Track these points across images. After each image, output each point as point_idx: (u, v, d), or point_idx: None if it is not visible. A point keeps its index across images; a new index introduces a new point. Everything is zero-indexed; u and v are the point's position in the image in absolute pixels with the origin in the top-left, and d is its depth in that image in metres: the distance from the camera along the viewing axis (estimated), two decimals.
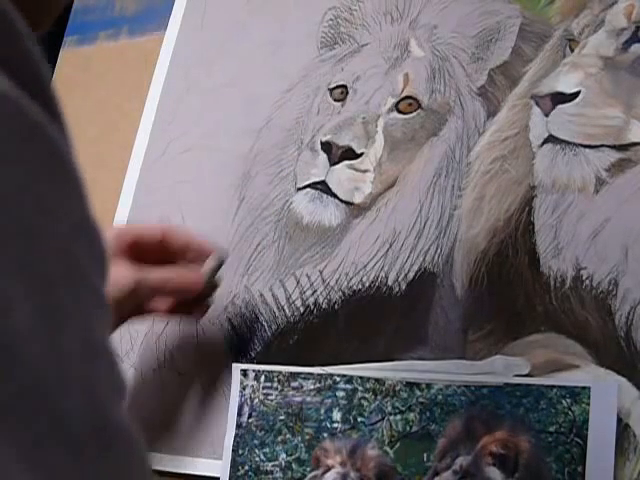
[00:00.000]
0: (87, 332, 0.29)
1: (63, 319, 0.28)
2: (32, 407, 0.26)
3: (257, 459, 0.78)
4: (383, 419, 0.74)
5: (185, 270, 0.81)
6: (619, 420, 0.64)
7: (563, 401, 0.66)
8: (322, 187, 0.85)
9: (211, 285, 0.83)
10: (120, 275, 0.76)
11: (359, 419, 0.75)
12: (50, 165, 0.29)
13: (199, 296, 0.82)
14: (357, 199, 0.84)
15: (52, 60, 1.15)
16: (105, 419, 0.29)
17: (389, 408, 0.74)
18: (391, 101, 0.85)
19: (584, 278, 0.70)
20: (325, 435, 0.76)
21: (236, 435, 0.80)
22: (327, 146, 0.86)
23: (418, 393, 0.73)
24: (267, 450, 0.78)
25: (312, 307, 0.83)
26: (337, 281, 0.82)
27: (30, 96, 0.28)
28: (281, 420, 0.78)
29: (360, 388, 0.75)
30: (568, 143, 0.74)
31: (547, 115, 0.75)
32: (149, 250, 0.81)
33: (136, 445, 0.31)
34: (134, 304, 0.79)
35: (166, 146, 0.99)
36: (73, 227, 0.29)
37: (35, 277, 0.27)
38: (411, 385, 0.73)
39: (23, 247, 0.27)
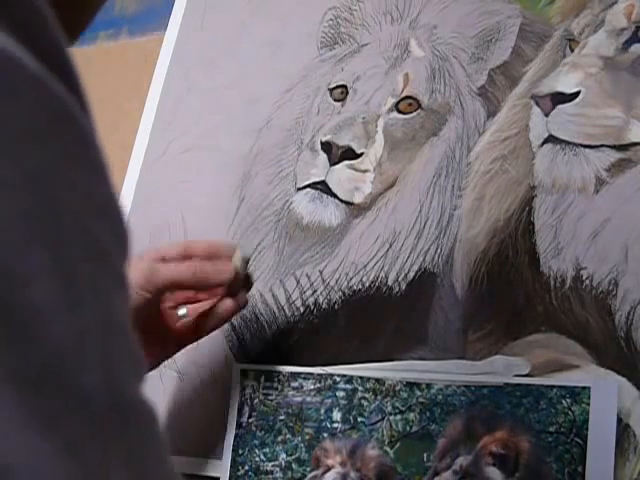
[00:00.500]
0: (105, 309, 0.29)
1: (82, 295, 0.28)
2: (51, 380, 0.27)
3: (257, 459, 0.78)
4: (383, 419, 0.74)
5: (210, 263, 0.76)
6: (619, 420, 0.64)
7: (563, 401, 0.66)
8: (322, 187, 0.85)
9: (244, 277, 0.78)
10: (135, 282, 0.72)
11: (359, 419, 0.75)
12: (77, 145, 0.29)
13: (234, 291, 0.77)
14: (357, 199, 0.84)
15: None
16: (123, 396, 0.29)
17: (389, 408, 0.74)
18: (391, 101, 0.85)
19: (584, 278, 0.70)
20: (325, 435, 0.76)
21: (236, 435, 0.80)
22: (327, 146, 0.86)
23: (418, 393, 0.73)
24: (267, 450, 0.78)
25: (312, 307, 0.83)
26: (337, 281, 0.82)
27: (56, 74, 0.29)
28: (281, 420, 0.78)
29: (360, 388, 0.75)
30: (568, 143, 0.74)
31: (547, 115, 0.75)
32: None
33: (154, 425, 0.31)
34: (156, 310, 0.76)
35: (166, 146, 0.99)
36: (97, 206, 0.30)
37: (56, 252, 0.27)
38: (411, 385, 0.73)
39: (46, 223, 0.27)
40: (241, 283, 0.77)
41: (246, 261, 0.77)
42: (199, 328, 0.78)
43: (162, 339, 0.77)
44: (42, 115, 0.28)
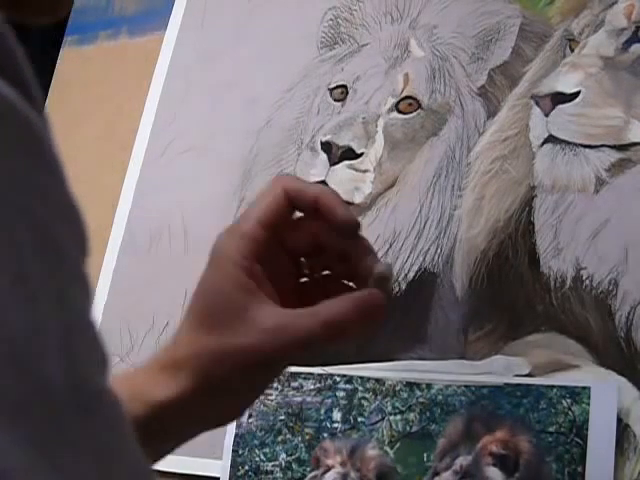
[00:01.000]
0: (64, 307, 0.29)
1: (40, 290, 0.28)
2: (15, 373, 0.27)
3: (257, 459, 0.78)
4: (383, 419, 0.74)
5: (357, 297, 0.53)
6: (619, 420, 0.64)
7: (563, 401, 0.66)
8: None
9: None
10: (256, 345, 0.52)
11: (359, 419, 0.75)
12: (27, 145, 0.29)
13: None
14: (357, 199, 0.84)
15: (52, 60, 1.15)
16: (88, 387, 0.29)
17: (389, 408, 0.74)
18: (391, 101, 0.85)
19: (584, 278, 0.70)
20: (325, 435, 0.76)
21: (236, 435, 0.80)
22: (327, 146, 0.86)
23: (418, 393, 0.73)
24: (267, 450, 0.78)
25: None
26: None
27: (5, 77, 0.29)
28: (281, 420, 0.78)
29: (360, 388, 0.75)
30: (568, 143, 0.74)
31: (547, 115, 0.75)
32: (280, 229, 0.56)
33: (121, 415, 0.31)
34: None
35: (166, 146, 0.99)
36: (53, 207, 0.30)
37: (13, 249, 0.28)
38: (411, 385, 0.73)
39: (1, 222, 0.27)
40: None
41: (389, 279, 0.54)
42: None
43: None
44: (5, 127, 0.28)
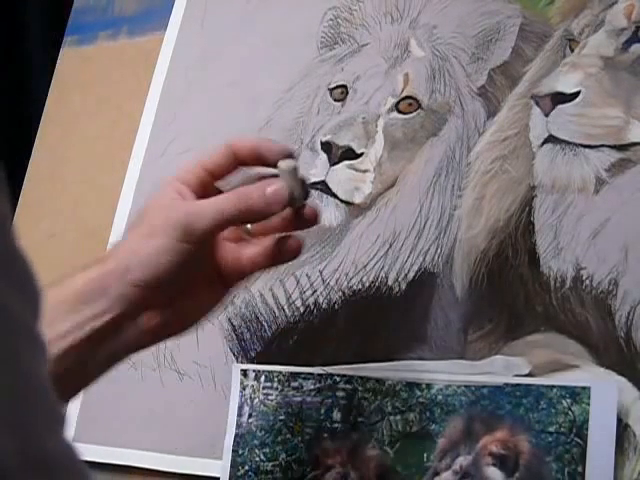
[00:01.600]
0: (14, 368, 0.29)
1: None
2: None
3: (257, 459, 0.78)
4: (383, 419, 0.74)
5: (252, 187, 0.66)
6: (619, 420, 0.64)
7: (563, 401, 0.66)
8: (322, 187, 0.85)
9: (299, 200, 0.67)
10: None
11: (359, 419, 0.75)
12: None
13: (290, 222, 0.68)
14: (357, 199, 0.84)
15: (52, 60, 1.15)
16: (39, 453, 0.29)
17: (389, 408, 0.74)
18: (391, 101, 0.85)
19: (584, 278, 0.70)
20: (325, 435, 0.76)
21: (236, 435, 0.80)
22: (327, 146, 0.86)
23: (418, 393, 0.73)
24: (267, 450, 0.78)
25: (312, 307, 0.83)
26: (337, 281, 0.82)
27: None
28: (281, 420, 0.78)
29: (360, 388, 0.75)
30: (568, 143, 0.74)
31: (547, 115, 0.75)
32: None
33: (79, 473, 0.31)
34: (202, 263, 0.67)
35: (166, 146, 0.99)
36: (1, 270, 0.29)
37: None
38: (411, 385, 0.73)
39: None
40: (300, 201, 0.67)
41: (294, 171, 0.66)
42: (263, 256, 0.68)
43: (211, 282, 0.68)
44: None
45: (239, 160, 0.68)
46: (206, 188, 0.68)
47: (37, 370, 0.31)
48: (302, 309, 0.83)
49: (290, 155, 0.67)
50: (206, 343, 0.87)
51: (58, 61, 1.15)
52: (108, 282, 0.63)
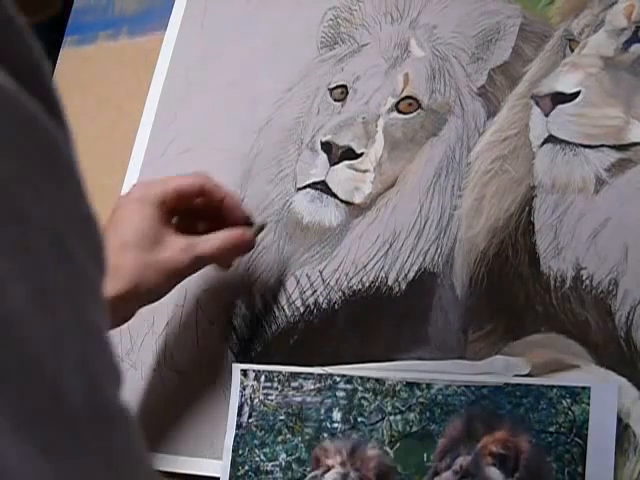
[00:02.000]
0: (81, 317, 0.30)
1: (56, 301, 0.28)
2: (31, 380, 0.27)
3: (257, 459, 0.78)
4: (383, 419, 0.74)
5: (234, 232, 0.81)
6: (619, 420, 0.64)
7: (563, 401, 0.66)
8: (322, 187, 0.86)
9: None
10: (176, 258, 0.77)
11: (359, 419, 0.75)
12: (47, 158, 0.29)
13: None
14: (357, 199, 0.84)
15: (52, 60, 1.15)
16: (104, 400, 0.30)
17: (389, 408, 0.74)
18: (391, 101, 0.85)
19: (584, 278, 0.70)
20: (325, 435, 0.76)
21: (236, 435, 0.80)
22: (327, 146, 0.86)
23: (418, 393, 0.73)
24: (267, 450, 0.78)
25: (312, 307, 0.83)
26: (337, 281, 0.82)
27: (29, 91, 0.29)
28: (281, 420, 0.78)
29: (360, 388, 0.75)
30: (568, 143, 0.74)
31: (547, 115, 0.75)
32: (187, 203, 0.82)
33: (134, 432, 0.31)
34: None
35: (166, 146, 0.99)
36: (67, 217, 0.30)
37: (28, 260, 0.28)
38: (411, 385, 0.73)
39: (17, 232, 0.28)
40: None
41: (260, 230, 0.84)
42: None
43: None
44: (12, 127, 0.28)
45: (204, 198, 0.82)
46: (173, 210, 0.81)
47: (101, 324, 0.31)
48: (302, 309, 0.83)
49: (249, 224, 0.83)
50: (206, 343, 0.87)
51: (58, 61, 1.15)
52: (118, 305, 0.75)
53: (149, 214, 0.78)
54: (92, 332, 0.30)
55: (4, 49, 0.29)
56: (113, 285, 0.74)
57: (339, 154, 0.85)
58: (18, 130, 0.28)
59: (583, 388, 0.66)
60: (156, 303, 0.82)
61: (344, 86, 0.89)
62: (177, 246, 0.78)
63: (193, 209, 0.83)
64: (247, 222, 0.83)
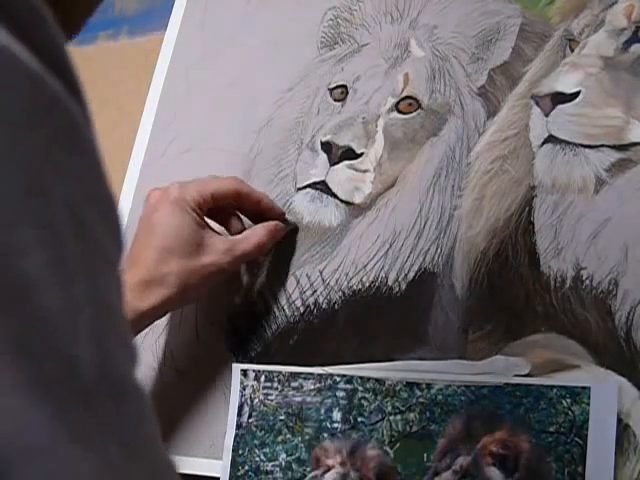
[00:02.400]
0: (96, 290, 0.30)
1: (73, 273, 0.29)
2: (44, 347, 0.28)
3: (257, 459, 0.78)
4: (383, 419, 0.74)
5: (269, 227, 0.84)
6: (619, 420, 0.64)
7: (563, 401, 0.66)
8: (322, 187, 0.86)
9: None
10: (219, 262, 0.80)
11: (359, 419, 0.75)
12: (69, 137, 0.31)
13: None
14: (357, 199, 0.84)
15: None
16: (115, 372, 0.30)
17: (389, 408, 0.74)
18: (391, 101, 0.85)
19: (584, 278, 0.70)
20: (325, 435, 0.76)
21: (236, 435, 0.80)
22: (327, 146, 0.86)
23: (418, 393, 0.73)
24: (267, 450, 0.78)
25: (312, 307, 0.83)
26: (337, 281, 0.82)
27: (53, 72, 0.30)
28: (281, 420, 0.78)
29: (360, 388, 0.75)
30: (568, 143, 0.74)
31: (547, 115, 0.75)
32: (221, 205, 0.84)
33: (146, 406, 0.32)
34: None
35: (166, 146, 0.99)
36: (87, 194, 0.31)
37: (47, 232, 0.29)
38: (411, 385, 0.73)
39: (38, 204, 0.28)
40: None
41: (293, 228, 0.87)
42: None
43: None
44: (36, 106, 0.29)
45: (239, 201, 0.85)
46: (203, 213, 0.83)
47: (117, 302, 0.31)
48: (302, 309, 0.83)
49: (284, 220, 0.86)
50: (206, 343, 0.87)
51: None
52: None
53: (189, 220, 0.80)
54: (107, 308, 0.31)
55: (31, 33, 0.30)
56: (160, 292, 0.77)
57: (339, 154, 0.85)
58: (42, 110, 0.30)
59: (583, 388, 0.66)
60: None
61: (344, 86, 0.89)
62: (219, 248, 0.80)
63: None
64: (282, 219, 0.86)
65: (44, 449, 0.27)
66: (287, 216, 0.87)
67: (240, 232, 0.84)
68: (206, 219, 0.83)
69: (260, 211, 0.85)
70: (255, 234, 0.82)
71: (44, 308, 0.28)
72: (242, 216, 0.86)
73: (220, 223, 0.85)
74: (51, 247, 0.28)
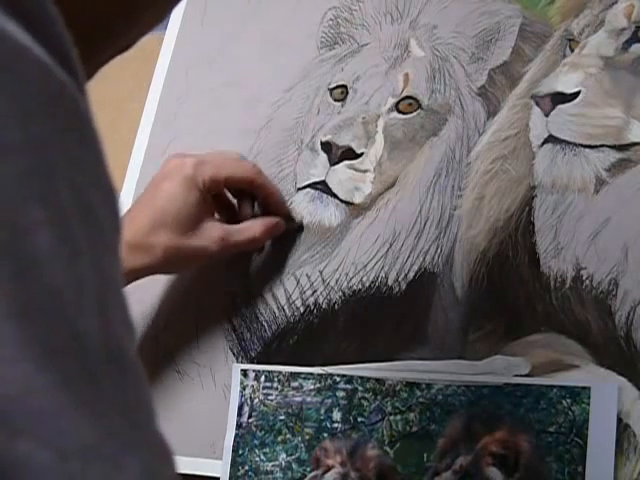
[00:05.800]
0: (100, 268, 0.31)
1: (78, 251, 0.30)
2: (50, 318, 0.29)
3: (257, 459, 0.78)
4: (383, 419, 0.74)
5: (269, 223, 0.84)
6: (619, 420, 0.64)
7: (563, 401, 0.66)
8: (322, 187, 0.86)
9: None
10: (208, 248, 0.80)
11: (359, 419, 0.75)
12: (75, 124, 0.32)
13: None
14: (357, 199, 0.84)
15: None
16: (119, 348, 0.31)
17: (389, 408, 0.74)
18: (391, 101, 0.85)
19: (584, 278, 0.70)
20: (325, 435, 0.76)
21: (236, 435, 0.80)
22: (327, 146, 0.86)
23: (418, 393, 0.73)
24: (267, 450, 0.78)
25: (312, 307, 0.83)
26: (337, 281, 0.82)
27: (59, 63, 0.32)
28: (281, 420, 0.78)
29: (360, 388, 0.75)
30: (568, 143, 0.74)
31: (547, 115, 0.75)
32: (232, 189, 0.85)
33: (145, 381, 0.33)
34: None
35: (166, 146, 0.99)
36: (91, 179, 0.32)
37: (55, 211, 0.30)
38: (411, 385, 0.73)
39: (47, 185, 0.30)
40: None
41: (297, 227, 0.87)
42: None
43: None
44: (44, 95, 0.31)
45: (251, 190, 0.85)
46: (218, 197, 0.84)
47: (118, 279, 0.33)
48: (302, 309, 0.83)
49: (290, 219, 0.86)
50: (206, 343, 0.87)
51: None
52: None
53: (192, 199, 0.80)
54: (110, 285, 0.32)
55: (41, 28, 0.32)
56: (144, 259, 0.79)
57: (339, 154, 0.85)
58: (51, 97, 0.31)
59: (583, 388, 0.66)
60: (156, 303, 0.82)
61: (344, 86, 0.89)
62: (212, 235, 0.80)
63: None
64: (288, 218, 0.86)
65: (48, 414, 0.28)
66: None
67: (247, 217, 0.84)
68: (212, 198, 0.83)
69: (268, 204, 0.85)
70: (251, 228, 0.83)
71: (52, 282, 0.29)
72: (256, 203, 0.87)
73: (233, 199, 0.86)
74: (59, 225, 0.30)
